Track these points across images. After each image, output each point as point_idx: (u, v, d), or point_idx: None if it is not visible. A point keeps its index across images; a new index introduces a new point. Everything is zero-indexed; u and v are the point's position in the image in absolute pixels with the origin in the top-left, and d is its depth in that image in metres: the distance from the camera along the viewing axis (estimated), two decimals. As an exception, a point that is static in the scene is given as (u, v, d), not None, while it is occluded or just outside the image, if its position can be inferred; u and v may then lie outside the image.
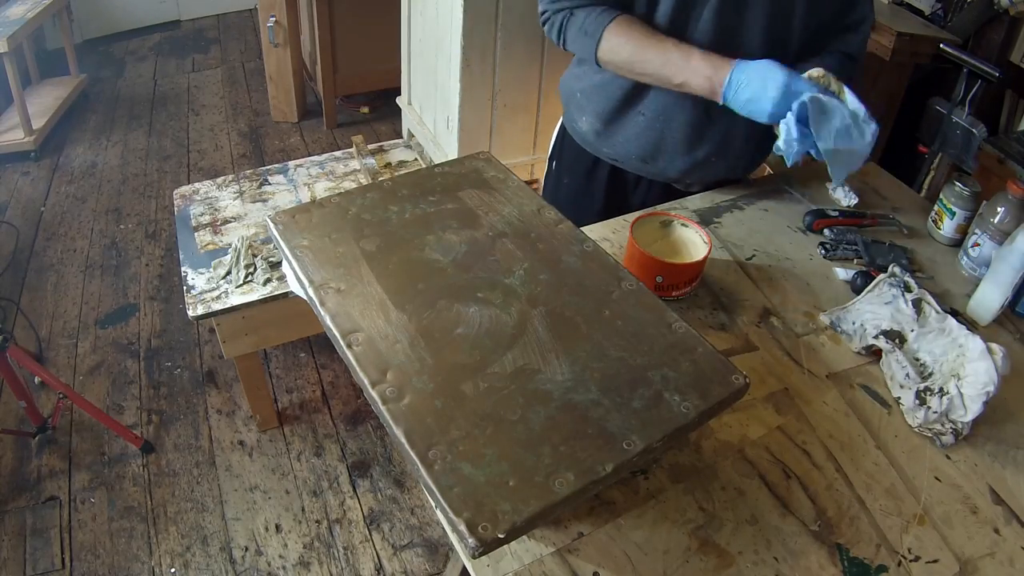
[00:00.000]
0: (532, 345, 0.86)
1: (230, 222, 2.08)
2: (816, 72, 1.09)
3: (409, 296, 0.91)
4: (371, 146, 2.57)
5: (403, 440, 0.75)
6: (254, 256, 1.89)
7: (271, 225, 1.02)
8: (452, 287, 0.93)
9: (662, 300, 0.94)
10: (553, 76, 2.25)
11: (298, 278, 0.95)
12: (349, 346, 0.85)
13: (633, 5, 1.18)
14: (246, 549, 1.83)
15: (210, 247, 1.97)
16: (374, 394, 0.79)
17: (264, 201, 2.19)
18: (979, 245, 1.23)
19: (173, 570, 1.78)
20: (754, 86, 1.06)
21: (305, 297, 0.94)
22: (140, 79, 4.06)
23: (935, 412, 0.98)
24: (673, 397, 0.81)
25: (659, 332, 0.89)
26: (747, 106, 1.08)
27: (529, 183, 2.17)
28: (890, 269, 1.14)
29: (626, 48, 1.15)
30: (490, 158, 1.17)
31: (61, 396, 2.00)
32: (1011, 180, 1.21)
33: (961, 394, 0.98)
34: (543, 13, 1.24)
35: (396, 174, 2.15)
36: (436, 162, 2.19)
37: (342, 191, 1.12)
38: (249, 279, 1.84)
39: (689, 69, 1.11)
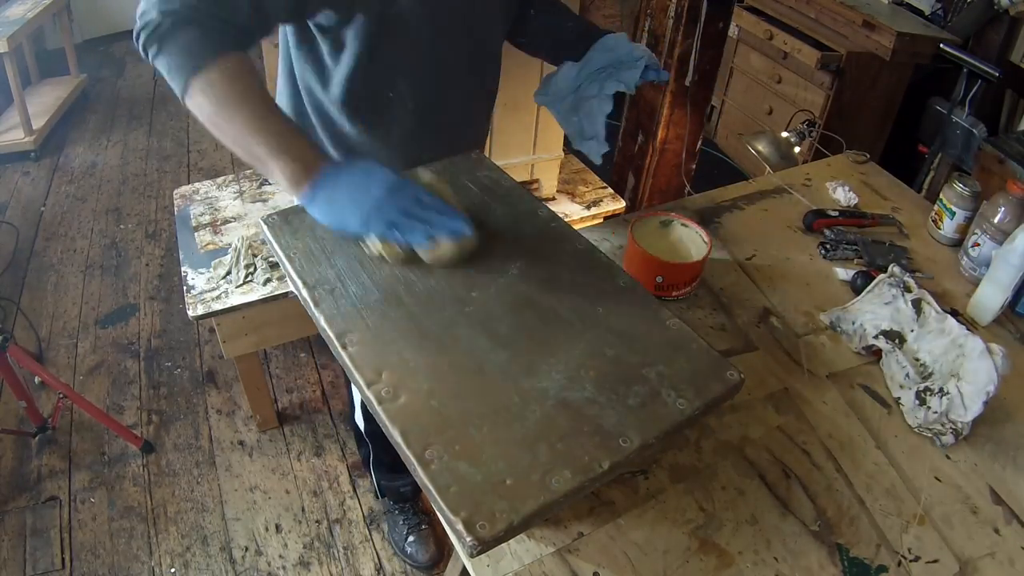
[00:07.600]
0: (527, 344, 0.86)
1: (230, 222, 2.08)
2: (426, 176, 1.00)
3: (403, 296, 0.91)
4: (371, 146, 2.56)
5: (399, 440, 0.75)
6: (254, 256, 1.89)
7: (264, 227, 1.01)
8: (446, 286, 0.93)
9: (662, 300, 0.94)
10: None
11: (291, 279, 0.95)
12: (344, 347, 0.84)
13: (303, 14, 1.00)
14: (246, 549, 1.83)
15: (210, 247, 1.97)
16: (370, 394, 0.79)
17: (264, 201, 2.19)
18: (979, 245, 1.23)
19: (173, 570, 1.78)
20: (340, 205, 0.89)
21: (299, 298, 0.94)
22: (140, 79, 4.05)
23: (935, 412, 0.97)
24: (668, 394, 0.81)
25: (653, 329, 0.89)
26: (330, 221, 0.91)
27: (529, 183, 2.17)
28: (890, 269, 1.14)
29: (218, 92, 0.88)
30: (482, 158, 1.17)
31: (61, 396, 1.99)
32: (1011, 180, 1.20)
33: (961, 394, 0.97)
34: (143, 14, 0.88)
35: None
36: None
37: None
38: (249, 279, 1.84)
39: (278, 155, 0.89)
